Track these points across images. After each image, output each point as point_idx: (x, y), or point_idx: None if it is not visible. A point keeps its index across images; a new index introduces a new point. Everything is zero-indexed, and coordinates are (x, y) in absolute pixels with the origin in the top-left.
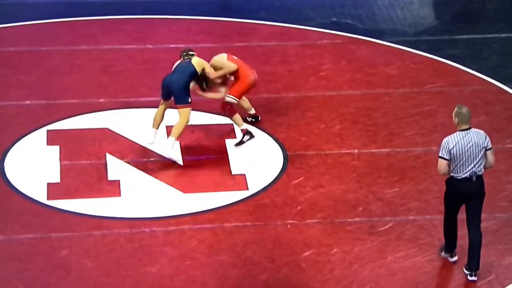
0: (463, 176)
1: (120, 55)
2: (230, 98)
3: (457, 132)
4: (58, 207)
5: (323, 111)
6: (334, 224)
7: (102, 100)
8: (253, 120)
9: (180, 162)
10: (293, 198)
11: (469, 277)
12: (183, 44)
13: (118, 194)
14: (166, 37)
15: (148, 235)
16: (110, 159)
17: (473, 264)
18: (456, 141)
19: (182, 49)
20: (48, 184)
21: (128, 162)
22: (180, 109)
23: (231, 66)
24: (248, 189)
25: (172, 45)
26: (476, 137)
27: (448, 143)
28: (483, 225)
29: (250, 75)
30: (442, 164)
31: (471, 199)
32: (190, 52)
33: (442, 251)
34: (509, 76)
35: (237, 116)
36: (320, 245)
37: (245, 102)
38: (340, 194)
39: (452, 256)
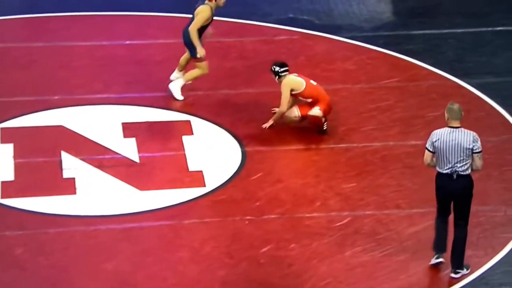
0: (445, 171)
1: (76, 51)
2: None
3: (445, 128)
4: (12, 205)
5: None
6: (292, 219)
7: (57, 97)
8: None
9: (180, 97)
10: (252, 194)
11: (453, 274)
12: (140, 40)
13: (74, 192)
14: (123, 33)
15: (105, 232)
16: (65, 157)
17: (457, 263)
18: (440, 135)
19: None
20: (1, 182)
21: (84, 160)
22: (196, 63)
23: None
24: (205, 186)
25: (128, 42)
26: (462, 137)
27: (432, 136)
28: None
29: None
30: (426, 155)
31: (456, 198)
32: None
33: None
34: (466, 71)
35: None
36: (278, 240)
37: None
38: (298, 189)
39: (438, 257)
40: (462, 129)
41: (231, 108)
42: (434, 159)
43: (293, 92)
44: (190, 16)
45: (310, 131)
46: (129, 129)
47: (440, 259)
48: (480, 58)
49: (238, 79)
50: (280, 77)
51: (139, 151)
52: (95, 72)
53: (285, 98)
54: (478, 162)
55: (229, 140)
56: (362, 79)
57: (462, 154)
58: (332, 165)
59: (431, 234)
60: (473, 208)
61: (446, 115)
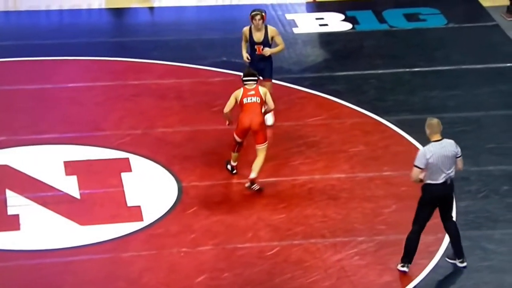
0: (440, 181)
1: (20, 94)
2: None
3: (432, 143)
4: None
5: (216, 144)
6: (225, 249)
7: (2, 138)
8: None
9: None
10: (188, 227)
11: (460, 264)
12: (82, 83)
13: (18, 227)
14: (66, 77)
15: (48, 266)
16: (10, 194)
17: (460, 252)
18: (433, 151)
19: None
20: None
21: (27, 197)
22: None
23: None
24: (143, 220)
25: (71, 84)
26: (449, 147)
27: (425, 154)
28: (362, 247)
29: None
30: (416, 172)
31: (445, 200)
32: None
33: (403, 264)
34: (386, 109)
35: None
36: (212, 269)
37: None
38: (232, 221)
39: (407, 266)
40: (445, 139)
41: (168, 145)
42: (422, 174)
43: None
44: (127, 60)
45: (242, 167)
46: (70, 167)
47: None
48: (399, 96)
49: (175, 118)
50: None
51: (80, 188)
52: (39, 113)
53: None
54: (461, 164)
55: (166, 176)
56: (291, 117)
57: (451, 162)
58: (263, 198)
59: (354, 262)
60: (394, 237)
61: (427, 130)
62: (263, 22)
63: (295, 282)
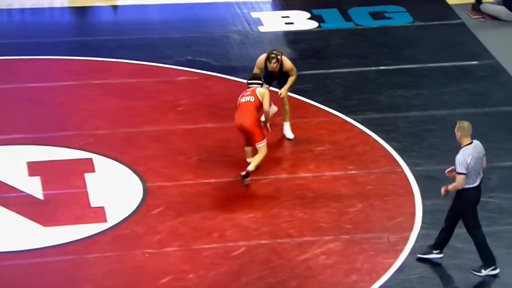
0: (477, 183)
1: None
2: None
3: (467, 147)
4: None
5: (182, 143)
6: (191, 250)
7: None
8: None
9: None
10: (153, 228)
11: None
12: (45, 83)
13: None
14: (28, 77)
15: (10, 268)
16: None
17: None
18: (472, 155)
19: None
20: None
21: None
22: None
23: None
24: (107, 221)
25: (33, 84)
26: (480, 148)
27: (465, 159)
28: (329, 246)
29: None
30: (463, 179)
31: (478, 202)
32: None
33: (483, 268)
34: (352, 108)
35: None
36: (177, 271)
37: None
38: (197, 222)
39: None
40: (474, 141)
41: (132, 146)
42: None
43: None
44: (91, 59)
45: (208, 167)
46: (33, 168)
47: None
48: (365, 95)
49: (140, 118)
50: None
51: (43, 189)
52: (0, 114)
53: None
54: (485, 162)
55: (131, 176)
56: None
57: (481, 162)
58: (229, 198)
59: (320, 261)
60: (360, 236)
61: (458, 133)
62: (278, 65)
63: (262, 282)
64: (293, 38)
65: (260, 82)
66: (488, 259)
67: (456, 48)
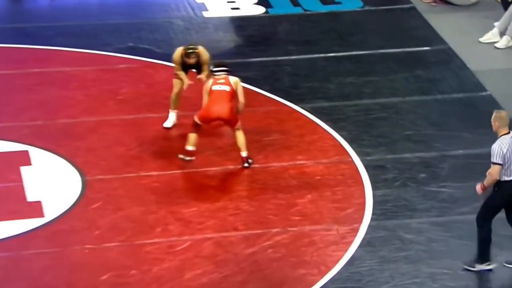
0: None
1: None
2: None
3: (504, 137)
4: None
5: (122, 134)
6: (133, 245)
7: None
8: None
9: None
10: (92, 223)
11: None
12: None
13: None
14: None
15: None
16: None
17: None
18: (509, 146)
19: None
20: None
21: None
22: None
23: None
24: (44, 216)
25: None
26: None
27: (501, 149)
28: (276, 239)
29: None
30: (498, 170)
31: None
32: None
33: (478, 263)
34: (300, 96)
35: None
36: (118, 267)
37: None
38: (139, 216)
39: (490, 264)
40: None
41: (70, 137)
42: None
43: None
44: (27, 47)
45: (149, 159)
46: None
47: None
48: (314, 83)
49: (78, 108)
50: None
51: None
52: None
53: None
54: None
55: (69, 169)
56: (201, 106)
57: None
58: (173, 191)
59: (268, 255)
60: (308, 228)
61: (496, 123)
62: (197, 59)
63: (206, 278)
64: (239, 24)
65: (227, 69)
66: (486, 256)
67: (407, 33)
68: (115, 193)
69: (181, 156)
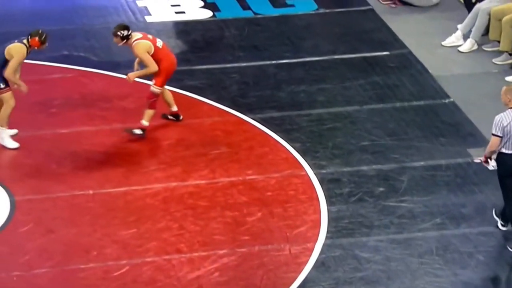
0: (510, 151)
1: None
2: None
3: (509, 110)
4: None
5: (53, 150)
6: (65, 271)
7: None
8: (174, 119)
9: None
10: (20, 247)
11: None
12: None
13: None
14: None
15: None
16: None
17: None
18: (510, 119)
19: None
20: None
21: None
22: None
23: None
24: None
25: None
26: None
27: (502, 121)
28: (223, 261)
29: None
30: (496, 142)
31: None
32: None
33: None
34: (249, 106)
35: (151, 113)
36: None
37: (168, 95)
38: (72, 239)
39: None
40: None
41: None
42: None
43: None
44: None
45: (84, 176)
46: None
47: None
48: (263, 92)
49: None
50: (128, 40)
51: None
52: None
53: (149, 59)
54: None
55: None
56: (141, 117)
57: None
58: (109, 211)
59: (214, 278)
60: (258, 247)
61: (507, 96)
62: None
63: None
64: (184, 29)
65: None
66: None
67: (363, 37)
68: (45, 215)
69: (136, 131)
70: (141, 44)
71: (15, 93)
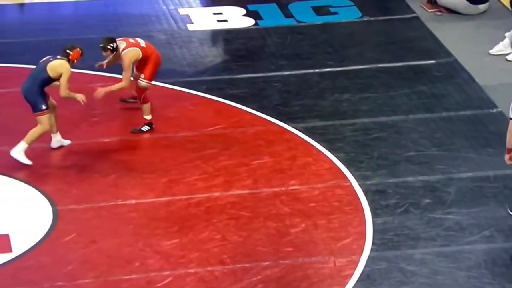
0: None
1: None
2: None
3: None
4: None
5: (96, 160)
6: (108, 282)
7: None
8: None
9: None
10: (63, 257)
11: None
12: None
13: None
14: None
15: None
16: None
17: None
18: None
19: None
20: None
21: None
22: (37, 117)
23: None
24: (12, 251)
25: None
26: None
27: None
28: (266, 273)
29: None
30: None
31: None
32: (67, 51)
33: None
34: (291, 115)
35: (148, 106)
36: None
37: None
38: (114, 249)
39: None
40: None
41: (38, 162)
42: None
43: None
44: None
45: (126, 186)
46: None
47: None
48: (306, 101)
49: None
50: (117, 51)
51: None
52: None
53: (127, 73)
54: None
55: (38, 198)
56: (185, 127)
57: None
58: (151, 221)
59: None
60: (302, 260)
61: None
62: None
63: None
64: (227, 38)
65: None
66: None
67: (409, 45)
68: (88, 224)
69: (143, 128)
70: (132, 52)
71: (68, 104)
